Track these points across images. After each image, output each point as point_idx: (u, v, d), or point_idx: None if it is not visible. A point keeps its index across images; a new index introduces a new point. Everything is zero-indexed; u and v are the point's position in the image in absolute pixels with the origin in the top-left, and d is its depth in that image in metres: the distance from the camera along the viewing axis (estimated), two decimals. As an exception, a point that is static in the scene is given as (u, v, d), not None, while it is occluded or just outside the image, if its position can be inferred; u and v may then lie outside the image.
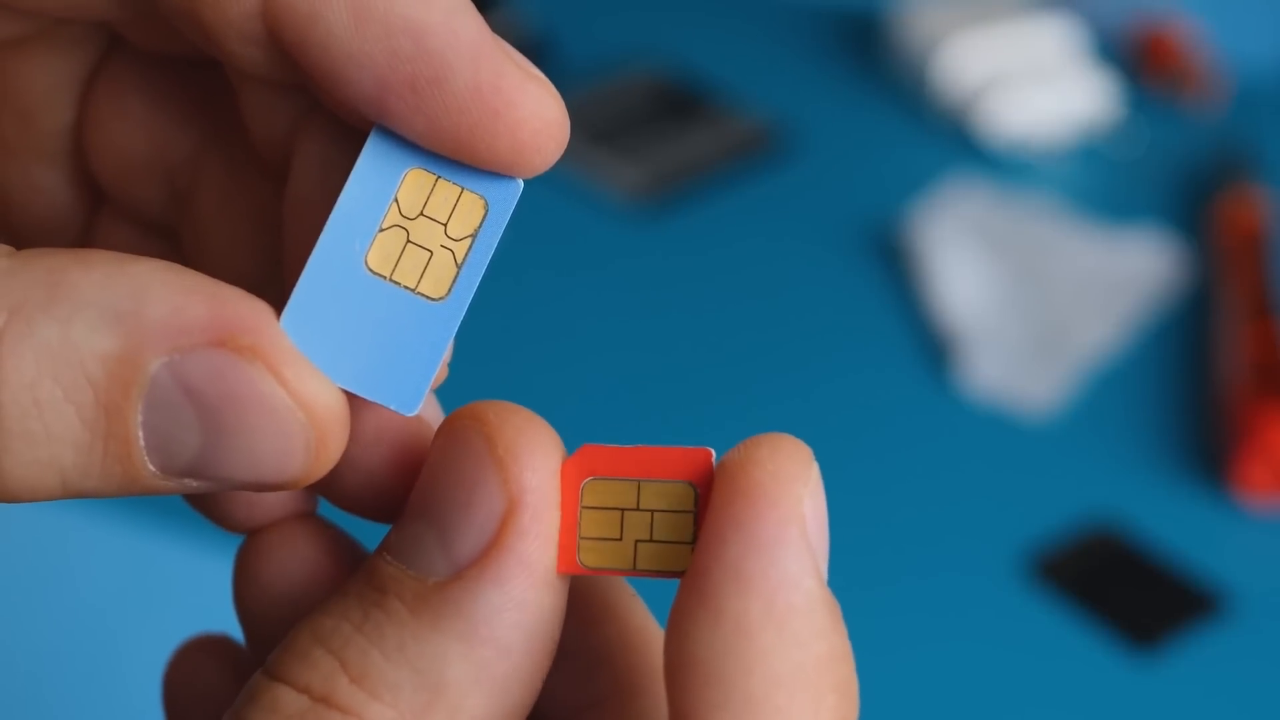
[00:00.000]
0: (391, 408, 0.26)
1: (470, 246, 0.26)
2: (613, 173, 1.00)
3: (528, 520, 0.25)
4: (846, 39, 1.14)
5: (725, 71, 1.10)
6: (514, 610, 0.25)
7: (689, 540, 0.26)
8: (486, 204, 0.26)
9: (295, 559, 0.29)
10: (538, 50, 1.09)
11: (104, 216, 0.31)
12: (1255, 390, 0.79)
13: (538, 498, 0.25)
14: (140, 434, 0.24)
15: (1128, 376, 0.87)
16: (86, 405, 0.24)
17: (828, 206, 0.99)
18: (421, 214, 0.26)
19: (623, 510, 0.26)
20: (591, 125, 1.03)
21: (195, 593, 0.67)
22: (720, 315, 0.92)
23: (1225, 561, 0.76)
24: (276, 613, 0.28)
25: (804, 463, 0.25)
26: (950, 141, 1.04)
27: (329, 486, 0.29)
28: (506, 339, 0.88)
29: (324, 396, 0.25)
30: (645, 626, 0.29)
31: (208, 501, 0.29)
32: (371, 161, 0.26)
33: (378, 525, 0.28)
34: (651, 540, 0.26)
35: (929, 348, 0.89)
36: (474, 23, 0.25)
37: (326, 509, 0.30)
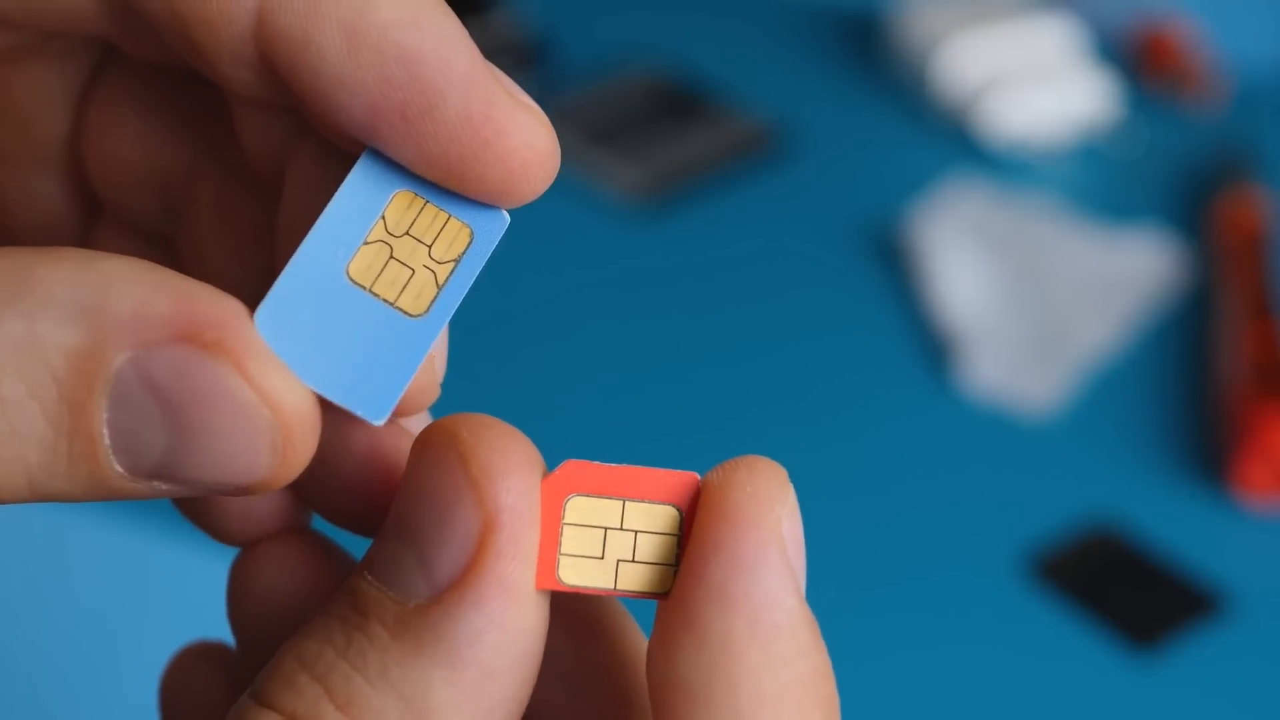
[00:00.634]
0: (359, 414, 0.26)
1: (452, 271, 0.26)
2: (613, 173, 1.00)
3: (504, 541, 0.25)
4: (846, 39, 1.14)
5: (725, 71, 1.10)
6: (495, 632, 0.25)
7: (672, 563, 0.26)
8: (472, 233, 0.26)
9: (288, 573, 0.29)
10: (538, 50, 1.09)
11: (101, 226, 0.31)
12: (1255, 390, 0.79)
13: (513, 517, 0.25)
14: (105, 432, 0.24)
15: (1128, 376, 0.87)
16: (50, 401, 0.23)
17: (828, 206, 0.99)
18: (407, 233, 0.26)
19: (606, 529, 0.26)
20: (591, 125, 1.03)
21: (193, 596, 0.67)
22: (720, 315, 0.92)
23: (1225, 561, 0.76)
24: (269, 626, 0.28)
25: (781, 484, 0.25)
26: (950, 141, 1.04)
27: (318, 499, 0.29)
28: (506, 339, 0.88)
29: (291, 394, 0.24)
30: (636, 645, 0.29)
31: (202, 513, 0.29)
32: (362, 178, 0.26)
33: (371, 540, 0.28)
34: (634, 561, 0.26)
35: (929, 348, 0.89)
36: (467, 50, 0.25)
37: (321, 524, 0.30)
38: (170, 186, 0.30)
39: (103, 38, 0.29)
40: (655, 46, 1.12)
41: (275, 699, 0.25)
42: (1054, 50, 1.06)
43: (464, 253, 0.26)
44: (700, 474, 0.26)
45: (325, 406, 0.26)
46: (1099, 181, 1.02)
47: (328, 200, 0.26)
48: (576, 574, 0.26)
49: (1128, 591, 0.75)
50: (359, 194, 0.26)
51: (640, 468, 0.26)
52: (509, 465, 0.25)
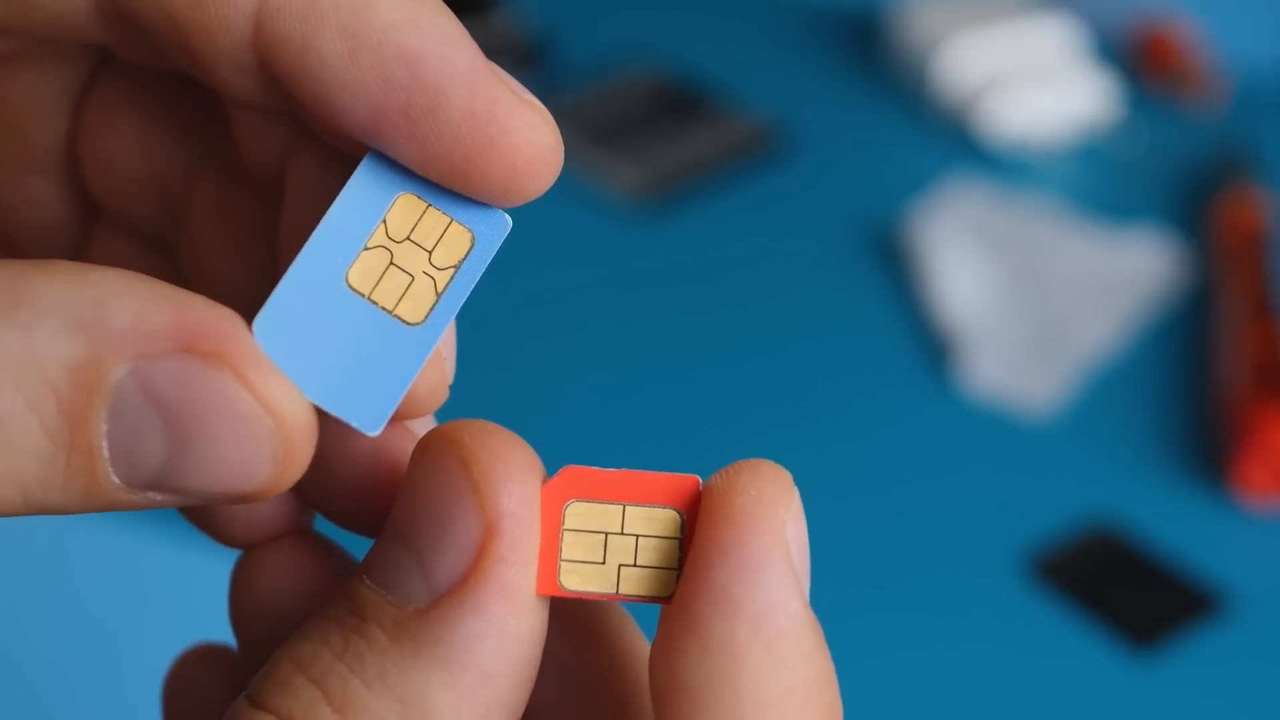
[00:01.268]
0: (354, 425, 0.26)
1: (452, 277, 0.26)
2: (613, 173, 1.00)
3: (505, 546, 0.25)
4: (846, 39, 1.14)
5: (725, 71, 1.10)
6: (494, 637, 0.25)
7: (674, 566, 0.26)
8: (473, 238, 0.26)
9: (290, 575, 0.29)
10: (538, 50, 1.09)
11: (99, 229, 0.31)
12: (1255, 390, 0.79)
13: (515, 523, 0.25)
14: (104, 444, 0.24)
15: (1128, 376, 0.87)
16: (49, 415, 0.23)
17: (828, 206, 0.99)
18: (408, 239, 0.26)
19: (606, 534, 0.26)
20: (591, 125, 1.03)
21: (193, 598, 0.67)
22: (720, 315, 0.92)
23: (1225, 561, 0.76)
24: (272, 629, 0.28)
25: (785, 488, 0.25)
26: (950, 141, 1.04)
27: (321, 501, 0.29)
28: (506, 339, 0.88)
29: (291, 404, 0.24)
30: (636, 648, 0.29)
31: (204, 516, 0.29)
32: (364, 182, 0.26)
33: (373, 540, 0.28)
34: (635, 565, 0.26)
35: (929, 348, 0.89)
36: (468, 49, 0.25)
37: (323, 525, 0.30)
38: (168, 190, 0.30)
39: (99, 44, 0.29)
40: (655, 46, 1.12)
41: (271, 701, 0.25)
42: (1054, 50, 1.06)
43: (464, 259, 0.26)
44: (701, 476, 0.26)
45: (323, 414, 0.26)
46: (1099, 181, 1.02)
47: (329, 204, 0.26)
48: (578, 579, 0.26)
49: (1128, 591, 0.75)
50: (361, 198, 0.26)
51: (640, 471, 0.26)
52: (510, 471, 0.25)
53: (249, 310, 0.26)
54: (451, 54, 0.25)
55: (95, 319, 0.23)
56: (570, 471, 0.26)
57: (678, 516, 0.26)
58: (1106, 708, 0.71)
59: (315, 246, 0.26)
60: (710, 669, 0.24)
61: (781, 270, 0.95)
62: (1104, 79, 1.04)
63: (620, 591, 0.26)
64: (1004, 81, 1.03)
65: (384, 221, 0.26)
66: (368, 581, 0.25)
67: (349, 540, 0.29)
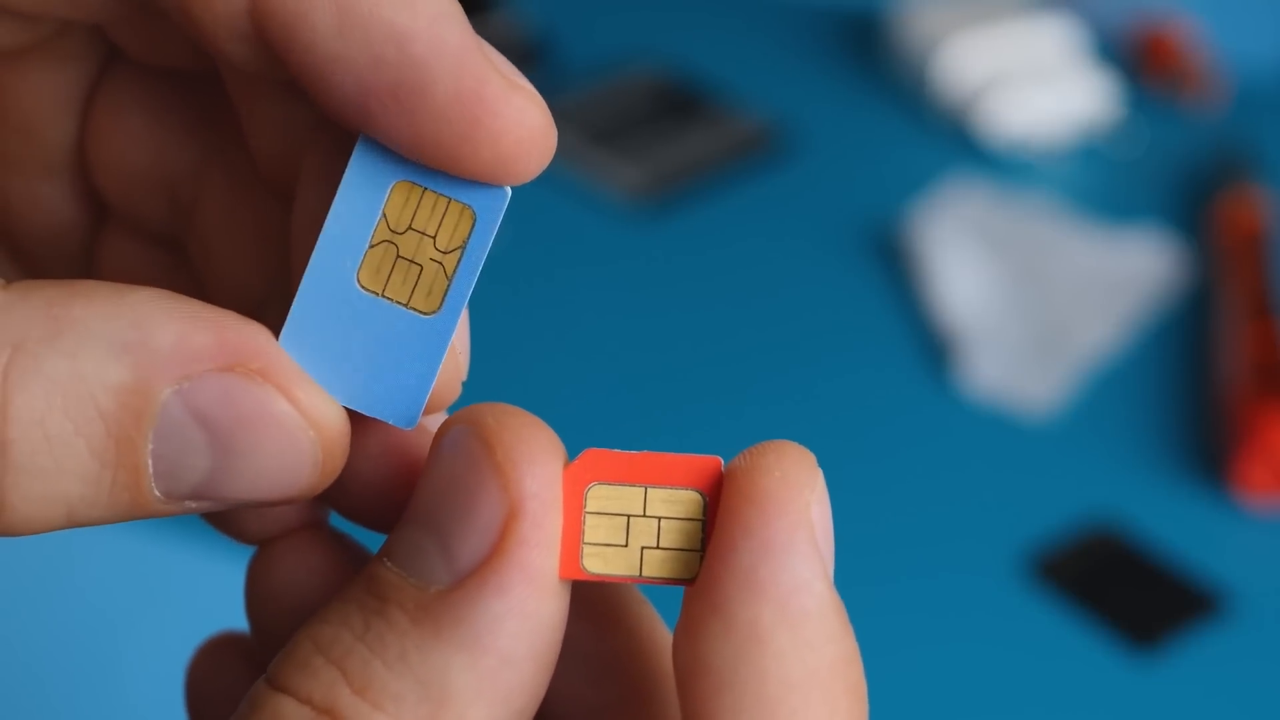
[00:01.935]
0: (390, 422, 0.26)
1: (460, 259, 0.26)
2: (613, 173, 1.00)
3: (529, 527, 0.25)
4: (846, 39, 1.14)
5: (725, 71, 1.10)
6: (516, 619, 0.25)
7: (698, 548, 0.26)
8: (474, 214, 0.26)
9: (306, 570, 0.29)
10: (538, 50, 1.09)
11: (108, 230, 0.31)
12: (1255, 390, 0.79)
13: (538, 504, 0.25)
14: (150, 462, 0.24)
15: (1128, 376, 0.87)
16: (97, 437, 0.24)
17: (828, 206, 0.99)
18: (410, 228, 0.26)
19: (629, 516, 0.26)
20: (591, 125, 1.03)
21: (202, 595, 0.67)
22: (720, 315, 0.92)
23: (1225, 561, 0.76)
24: (288, 623, 0.28)
25: (810, 469, 0.26)
26: (950, 141, 1.04)
27: (335, 497, 0.29)
28: (507, 339, 0.88)
29: (330, 413, 0.25)
30: (655, 632, 0.29)
31: (220, 514, 0.29)
32: (357, 176, 0.26)
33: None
34: (658, 547, 0.26)
35: (929, 348, 0.89)
36: (460, 29, 0.25)
37: (336, 520, 0.30)
38: (177, 190, 0.30)
39: (104, 31, 0.29)
40: (655, 46, 1.12)
41: (290, 683, 0.25)
42: (1054, 50, 1.06)
43: (468, 237, 0.26)
44: (722, 457, 0.26)
45: (353, 415, 0.26)
46: (1099, 181, 1.02)
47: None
48: (601, 562, 0.26)
49: (1128, 591, 0.75)
50: (357, 193, 0.26)
51: (661, 453, 0.26)
52: (534, 453, 0.25)
53: (263, 308, 0.26)
54: (442, 33, 0.25)
55: (139, 342, 0.24)
56: (591, 454, 0.26)
57: (700, 498, 0.26)
58: (1106, 708, 0.71)
59: (322, 253, 0.26)
60: (735, 650, 0.24)
61: (781, 270, 0.95)
62: (1104, 79, 1.05)
63: (644, 574, 0.26)
64: (1004, 81, 1.03)
65: (384, 215, 0.26)
66: (389, 564, 0.25)
67: (363, 536, 0.29)
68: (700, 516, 0.26)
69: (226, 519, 0.29)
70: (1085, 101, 1.03)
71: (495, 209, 0.26)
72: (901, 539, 0.77)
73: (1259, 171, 0.98)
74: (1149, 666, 0.72)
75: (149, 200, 0.30)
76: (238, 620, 0.30)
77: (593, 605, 0.28)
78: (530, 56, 1.08)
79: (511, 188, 0.26)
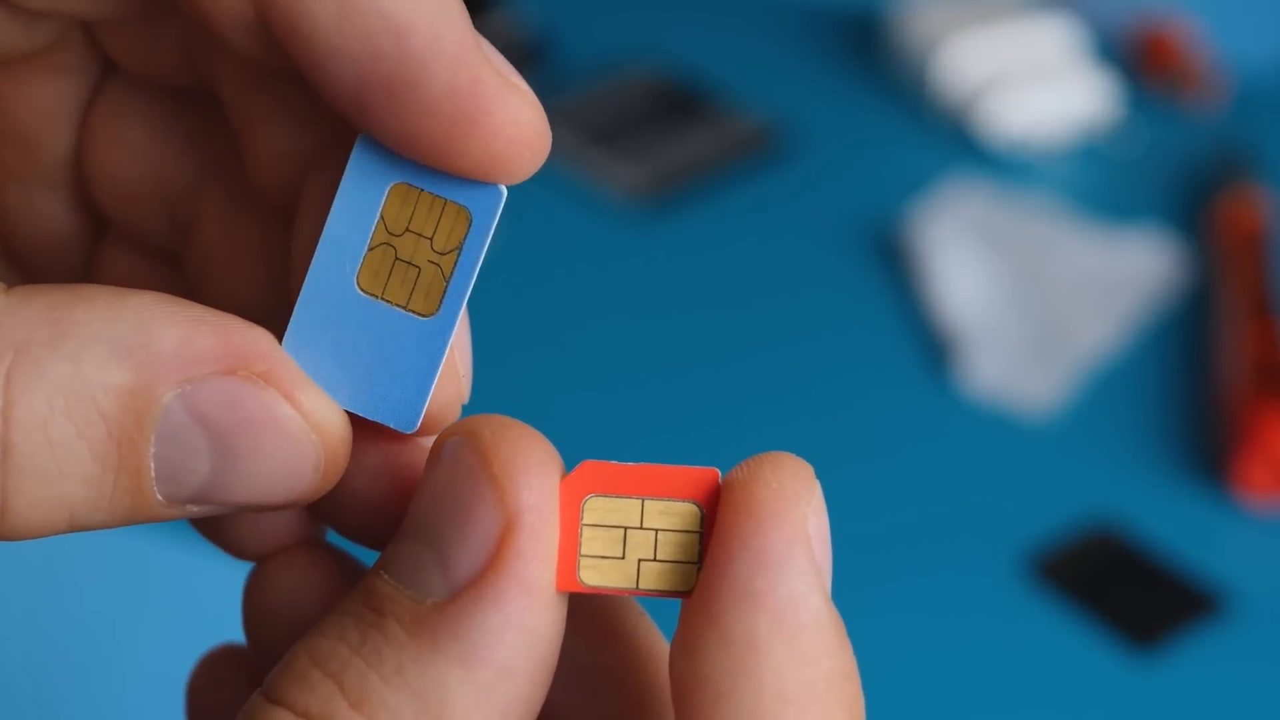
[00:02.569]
0: (391, 426, 0.26)
1: (456, 260, 0.26)
2: (613, 173, 1.00)
3: (525, 540, 0.25)
4: (846, 39, 1.14)
5: (725, 71, 1.10)
6: (513, 632, 0.24)
7: (695, 560, 0.26)
8: (470, 215, 0.26)
9: (303, 586, 0.29)
10: (537, 50, 1.09)
11: (107, 242, 0.31)
12: (1255, 390, 0.79)
13: (535, 517, 0.25)
14: (151, 465, 0.24)
15: (1128, 376, 0.87)
16: (99, 440, 0.24)
17: (828, 206, 0.99)
18: (407, 230, 0.26)
19: (625, 528, 0.26)
20: (591, 125, 1.03)
21: (200, 599, 0.67)
22: (720, 315, 0.92)
23: (1225, 561, 0.76)
24: (286, 639, 0.28)
25: (807, 481, 0.25)
26: (950, 141, 1.04)
27: (333, 514, 0.29)
28: (507, 339, 0.88)
29: (334, 418, 0.26)
30: (654, 646, 0.28)
31: (217, 529, 0.29)
32: (356, 179, 0.26)
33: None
34: (655, 560, 0.26)
35: (929, 348, 0.89)
36: (459, 26, 0.25)
37: (333, 538, 0.30)
38: (175, 205, 0.30)
39: (102, 50, 0.29)
40: (655, 46, 1.12)
41: (287, 696, 0.25)
42: (1054, 50, 1.06)
43: (465, 238, 0.26)
44: (719, 469, 0.26)
45: (354, 430, 0.26)
46: (1099, 181, 1.02)
47: None
48: (598, 575, 0.26)
49: (1128, 591, 0.75)
50: (355, 196, 0.26)
51: (658, 465, 0.26)
52: (530, 465, 0.25)
53: (261, 324, 0.26)
54: (441, 29, 0.25)
55: (141, 345, 0.24)
56: (588, 466, 0.26)
57: (697, 510, 0.26)
58: (1106, 708, 0.71)
59: (322, 257, 0.26)
60: (731, 663, 0.24)
61: (781, 270, 0.95)
62: (1104, 79, 1.05)
63: (640, 586, 0.26)
64: (1004, 81, 1.03)
65: (381, 217, 0.26)
66: (385, 576, 0.25)
67: (360, 553, 0.29)
68: (697, 529, 0.26)
69: (224, 534, 0.29)
70: (1085, 101, 1.03)
71: (491, 210, 0.26)
72: (901, 539, 0.77)
73: (1259, 171, 0.98)
74: (1149, 666, 0.72)
75: (147, 214, 0.30)
76: (237, 623, 0.30)
77: (590, 618, 0.28)
78: (530, 56, 1.08)
79: (507, 189, 0.26)
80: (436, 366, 0.26)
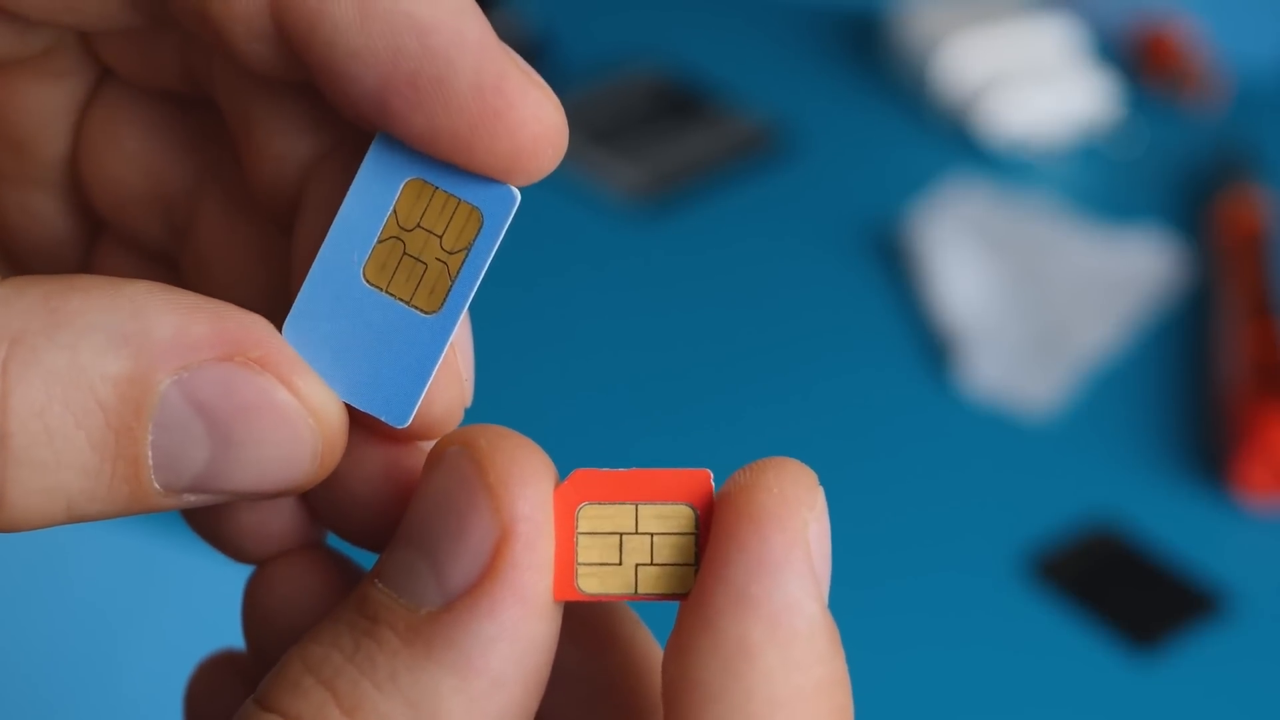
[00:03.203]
0: (383, 419, 0.26)
1: (464, 260, 0.26)
2: (613, 173, 1.00)
3: (520, 549, 0.25)
4: (846, 39, 1.14)
5: (725, 71, 1.10)
6: (508, 641, 0.24)
7: (692, 562, 0.26)
8: (482, 216, 0.26)
9: (303, 590, 0.29)
10: (538, 50, 1.09)
11: (103, 245, 0.31)
12: (1255, 390, 0.79)
13: (530, 526, 0.25)
14: (149, 454, 0.24)
15: (1128, 376, 0.87)
16: (96, 429, 0.24)
17: (828, 206, 0.99)
18: (418, 226, 0.26)
19: (621, 534, 0.26)
20: (591, 125, 1.03)
21: (198, 597, 0.67)
22: (720, 315, 0.92)
23: (1225, 561, 0.76)
24: (285, 643, 0.27)
25: (809, 487, 0.25)
26: (950, 141, 1.04)
27: (332, 518, 0.29)
28: (506, 339, 0.88)
29: (331, 404, 0.25)
30: (650, 654, 0.28)
31: (217, 532, 0.29)
32: (372, 171, 0.26)
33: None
34: (652, 564, 0.26)
35: (929, 348, 0.89)
36: (479, 24, 0.25)
37: (334, 541, 0.30)
38: (171, 209, 0.30)
39: (97, 56, 0.29)
40: (655, 46, 1.12)
41: (280, 702, 0.25)
42: (1054, 50, 1.06)
43: (475, 239, 0.26)
44: (711, 471, 0.26)
45: (352, 432, 0.26)
46: (1099, 181, 1.02)
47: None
48: (596, 582, 0.26)
49: (1128, 591, 0.75)
50: (370, 188, 0.26)
51: (650, 470, 0.26)
52: (525, 475, 0.25)
53: None
54: (462, 26, 0.25)
55: (138, 333, 0.24)
56: (580, 475, 0.26)
57: (691, 511, 0.26)
58: (1106, 708, 0.71)
59: (331, 245, 0.26)
60: (722, 666, 0.24)
61: (781, 270, 0.95)
62: (1104, 79, 1.05)
63: (639, 591, 0.26)
64: (1004, 81, 1.03)
65: (394, 211, 0.26)
66: (380, 585, 0.25)
67: (360, 556, 0.29)
68: (693, 530, 0.26)
69: (224, 536, 0.29)
70: (1085, 101, 1.03)
71: (503, 213, 0.26)
72: (902, 539, 0.77)
73: (1259, 171, 0.98)
74: (1149, 666, 0.72)
75: (143, 217, 0.30)
76: (236, 623, 0.30)
77: (585, 627, 0.28)
78: (530, 56, 1.07)
79: (520, 194, 0.26)
80: (434, 364, 0.26)
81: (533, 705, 0.25)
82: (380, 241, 0.26)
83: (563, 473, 0.26)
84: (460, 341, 0.27)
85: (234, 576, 0.30)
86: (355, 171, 0.27)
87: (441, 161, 0.26)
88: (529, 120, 0.25)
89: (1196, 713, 0.71)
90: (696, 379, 0.87)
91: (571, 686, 0.28)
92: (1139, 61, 1.10)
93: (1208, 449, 0.82)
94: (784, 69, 1.12)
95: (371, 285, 0.26)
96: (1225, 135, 1.03)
